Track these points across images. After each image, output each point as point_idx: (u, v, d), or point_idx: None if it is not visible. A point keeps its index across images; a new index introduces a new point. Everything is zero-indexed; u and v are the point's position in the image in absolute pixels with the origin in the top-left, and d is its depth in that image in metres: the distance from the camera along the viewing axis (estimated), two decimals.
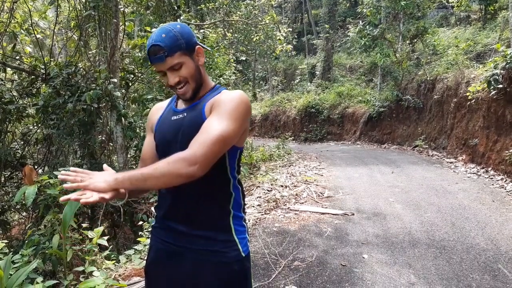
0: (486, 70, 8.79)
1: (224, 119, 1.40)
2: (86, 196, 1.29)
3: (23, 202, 5.06)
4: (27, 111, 6.89)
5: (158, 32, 1.48)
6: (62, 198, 1.31)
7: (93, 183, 1.34)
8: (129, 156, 7.09)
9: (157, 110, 1.72)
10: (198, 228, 1.52)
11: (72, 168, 1.43)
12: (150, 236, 1.71)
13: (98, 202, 1.31)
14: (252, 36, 13.66)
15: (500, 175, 7.77)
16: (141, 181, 1.33)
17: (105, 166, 1.53)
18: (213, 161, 1.36)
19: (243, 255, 1.55)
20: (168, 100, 1.74)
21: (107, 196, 1.33)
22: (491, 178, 7.77)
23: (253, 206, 6.31)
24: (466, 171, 8.72)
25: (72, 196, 1.30)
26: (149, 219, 5.28)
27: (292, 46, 15.50)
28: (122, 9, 6.91)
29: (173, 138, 1.53)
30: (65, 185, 1.35)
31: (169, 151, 1.44)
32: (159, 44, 1.44)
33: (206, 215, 1.52)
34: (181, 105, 1.63)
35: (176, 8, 9.89)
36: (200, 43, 1.58)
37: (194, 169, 1.30)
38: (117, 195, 1.39)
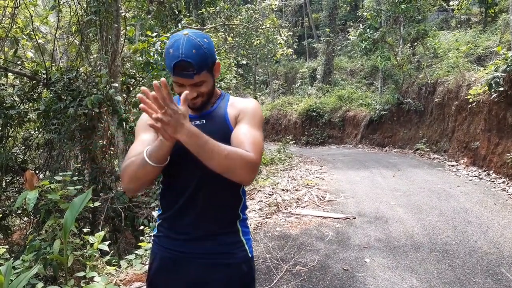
0: (487, 73, 8.80)
1: (258, 131, 1.47)
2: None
3: (24, 207, 5.07)
4: (28, 116, 6.90)
5: (188, 46, 1.35)
6: (139, 95, 1.19)
7: (166, 124, 1.18)
8: None
9: None
10: (208, 231, 1.52)
11: (155, 84, 1.18)
12: (152, 244, 1.68)
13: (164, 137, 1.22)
14: (253, 40, 13.70)
15: (501, 178, 7.75)
16: (207, 155, 1.26)
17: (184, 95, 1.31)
18: None
19: (250, 255, 1.58)
20: None
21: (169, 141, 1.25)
22: (493, 181, 7.75)
23: (255, 210, 6.30)
24: (468, 174, 8.70)
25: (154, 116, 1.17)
26: (150, 223, 5.27)
27: (292, 50, 15.53)
28: (123, 14, 6.93)
29: None
30: (141, 105, 1.19)
31: (185, 157, 1.36)
32: (190, 62, 1.34)
33: (218, 219, 1.53)
34: (194, 111, 1.53)
35: (177, 12, 9.93)
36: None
37: (251, 178, 1.34)
38: (168, 150, 1.29)
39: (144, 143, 1.45)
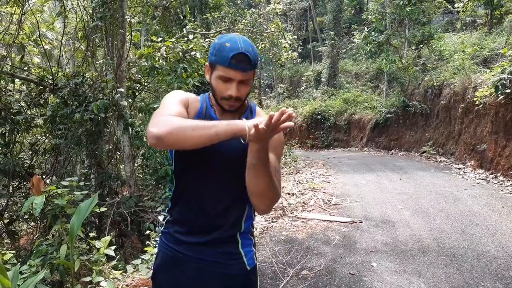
0: (493, 75, 8.74)
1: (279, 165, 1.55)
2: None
3: (31, 212, 5.09)
4: (35, 122, 6.95)
5: (245, 43, 1.41)
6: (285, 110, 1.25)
7: (269, 132, 1.25)
8: (136, 165, 7.11)
9: (194, 103, 1.54)
10: (208, 238, 1.52)
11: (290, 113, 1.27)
12: (158, 241, 1.70)
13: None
14: (258, 44, 13.70)
15: (509, 180, 7.68)
16: (260, 172, 1.35)
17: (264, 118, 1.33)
18: None
19: (248, 268, 1.55)
20: (195, 96, 1.58)
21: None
22: (501, 184, 7.68)
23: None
24: (475, 177, 8.63)
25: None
26: (156, 228, 5.27)
27: (297, 54, 15.56)
28: (129, 19, 6.97)
29: (220, 152, 1.44)
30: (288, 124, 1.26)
31: (199, 158, 1.44)
32: (249, 56, 1.39)
33: (220, 227, 1.52)
34: (220, 114, 1.53)
35: (182, 17, 9.98)
36: None
37: (269, 210, 1.52)
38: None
39: (182, 114, 1.42)
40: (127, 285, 3.62)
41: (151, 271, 3.65)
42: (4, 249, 4.84)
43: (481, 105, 8.97)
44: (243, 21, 13.02)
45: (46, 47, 7.81)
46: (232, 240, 1.54)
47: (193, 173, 1.50)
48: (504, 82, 7.87)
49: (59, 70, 7.41)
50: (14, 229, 6.41)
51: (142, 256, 4.17)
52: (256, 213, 1.64)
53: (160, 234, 1.68)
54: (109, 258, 3.93)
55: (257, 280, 1.59)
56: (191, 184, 1.52)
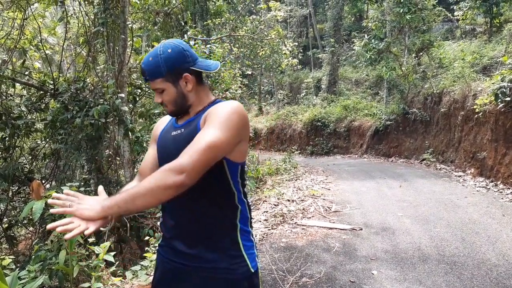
0: (493, 83, 8.76)
1: (215, 128, 1.37)
2: (70, 227, 1.25)
3: (30, 217, 5.08)
4: (35, 126, 6.95)
5: (150, 53, 1.52)
6: (49, 225, 1.26)
7: (80, 210, 1.30)
8: (135, 170, 7.09)
9: (161, 124, 1.74)
10: (205, 245, 1.49)
11: (65, 191, 1.39)
12: (156, 254, 1.68)
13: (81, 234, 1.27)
14: (258, 51, 13.76)
15: (509, 188, 7.67)
16: (129, 203, 1.29)
17: (100, 189, 1.49)
18: (203, 170, 1.32)
19: (252, 270, 1.52)
20: (166, 117, 1.77)
21: (93, 227, 1.28)
22: (501, 192, 7.67)
23: (260, 221, 6.27)
24: (475, 184, 8.62)
25: (59, 228, 1.25)
26: (156, 234, 5.25)
27: (297, 60, 15.60)
28: (130, 25, 7.00)
29: (174, 153, 1.46)
30: (51, 210, 1.33)
31: (161, 163, 1.49)
32: (143, 68, 1.52)
33: (212, 231, 1.50)
34: (181, 120, 1.62)
35: (183, 24, 10.02)
36: (200, 67, 1.53)
37: (181, 177, 1.27)
38: (104, 223, 1.34)
39: (149, 156, 1.71)
40: None
41: (150, 278, 3.66)
42: (3, 254, 4.83)
43: (481, 113, 8.99)
44: (244, 27, 13.08)
45: (47, 52, 7.84)
46: (234, 242, 1.51)
47: None
48: (504, 90, 7.89)
49: (60, 75, 7.42)
50: (12, 234, 6.38)
51: (141, 262, 4.16)
52: (250, 211, 1.60)
53: (157, 248, 1.67)
54: (108, 264, 3.91)
55: (259, 283, 1.57)
56: None
